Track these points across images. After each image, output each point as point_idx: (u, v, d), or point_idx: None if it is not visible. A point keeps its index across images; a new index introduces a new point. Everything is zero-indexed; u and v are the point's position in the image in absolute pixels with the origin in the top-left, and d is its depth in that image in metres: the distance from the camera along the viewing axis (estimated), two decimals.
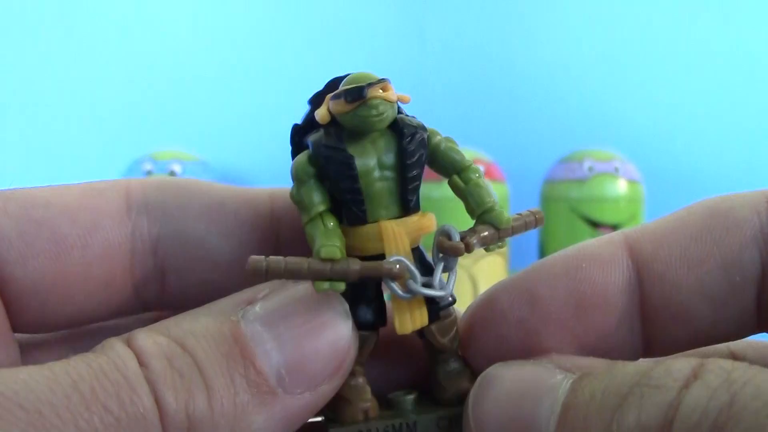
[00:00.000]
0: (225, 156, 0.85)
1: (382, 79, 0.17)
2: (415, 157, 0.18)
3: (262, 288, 0.15)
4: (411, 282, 0.16)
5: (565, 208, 0.69)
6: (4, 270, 0.17)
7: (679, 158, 0.90)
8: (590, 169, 0.68)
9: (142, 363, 0.13)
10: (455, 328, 0.18)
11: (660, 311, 0.17)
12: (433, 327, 0.17)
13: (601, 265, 0.18)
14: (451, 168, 0.19)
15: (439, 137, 0.19)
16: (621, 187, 0.68)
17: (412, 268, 0.16)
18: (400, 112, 0.18)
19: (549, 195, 0.71)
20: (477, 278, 0.67)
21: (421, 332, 0.17)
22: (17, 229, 0.16)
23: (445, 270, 0.17)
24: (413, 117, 0.18)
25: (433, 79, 0.88)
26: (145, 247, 0.18)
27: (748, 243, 0.17)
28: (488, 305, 0.19)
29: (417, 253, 0.17)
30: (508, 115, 0.89)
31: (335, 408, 0.16)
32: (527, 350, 0.18)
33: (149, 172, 0.66)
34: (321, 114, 0.18)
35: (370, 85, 0.17)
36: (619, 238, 0.19)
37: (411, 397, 0.16)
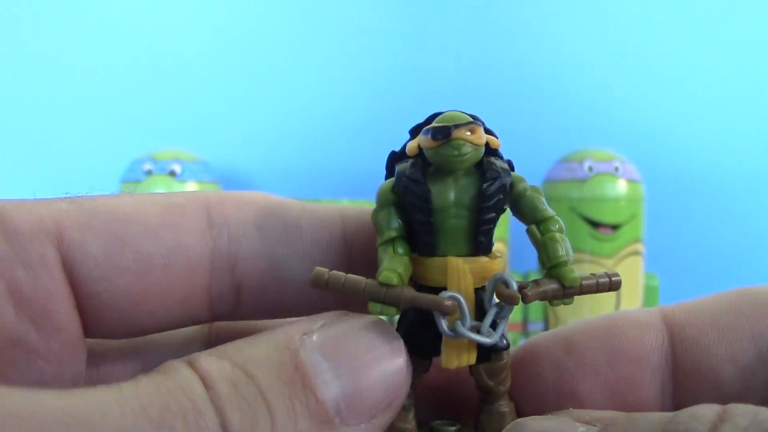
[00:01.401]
0: (225, 156, 0.85)
1: (472, 121, 0.18)
2: (493, 201, 0.18)
3: (320, 318, 0.15)
4: (458, 322, 0.16)
5: (565, 208, 0.69)
6: (88, 286, 0.17)
7: (679, 158, 0.90)
8: (590, 169, 0.68)
9: (207, 386, 0.13)
10: (505, 372, 0.17)
11: (691, 374, 0.18)
12: (482, 367, 0.17)
13: (637, 325, 0.19)
14: (531, 217, 0.20)
15: (524, 185, 0.19)
16: (621, 187, 0.68)
17: (465, 307, 0.16)
18: (495, 154, 0.19)
19: (549, 195, 0.71)
20: None
21: (471, 370, 0.17)
22: (103, 247, 0.17)
23: (498, 317, 0.17)
24: (506, 161, 0.19)
25: (432, 79, 0.88)
26: (223, 266, 0.18)
27: None
28: (528, 347, 0.20)
29: (479, 295, 0.17)
30: (508, 114, 0.89)
31: None
32: (561, 393, 0.19)
33: (149, 172, 0.66)
34: (410, 146, 0.18)
35: (457, 126, 0.18)
36: (656, 309, 0.20)
37: (453, 428, 0.16)
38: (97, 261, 0.17)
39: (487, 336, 0.16)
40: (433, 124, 0.18)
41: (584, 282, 0.19)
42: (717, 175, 0.90)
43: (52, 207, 0.17)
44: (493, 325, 0.16)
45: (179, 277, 0.18)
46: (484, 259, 0.18)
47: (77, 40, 0.85)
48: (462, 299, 0.16)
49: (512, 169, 0.19)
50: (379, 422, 0.14)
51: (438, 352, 0.16)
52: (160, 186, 0.65)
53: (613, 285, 0.20)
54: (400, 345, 0.15)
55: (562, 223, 0.20)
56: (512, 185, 0.19)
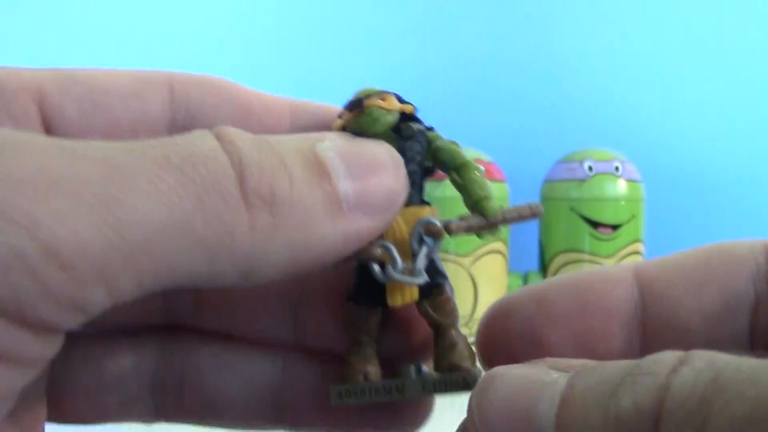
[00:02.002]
0: None
1: (382, 91, 0.19)
2: (410, 155, 0.18)
3: (328, 134, 0.17)
4: (389, 267, 0.16)
5: (565, 208, 0.69)
6: None
7: (679, 158, 0.90)
8: (590, 169, 0.68)
9: (226, 141, 0.14)
10: (449, 305, 0.18)
11: (659, 325, 0.19)
12: (426, 303, 0.18)
13: (608, 279, 0.19)
14: (451, 164, 0.20)
15: (441, 140, 0.20)
16: (621, 187, 0.68)
17: (394, 252, 0.17)
18: (417, 121, 0.19)
19: (549, 195, 0.71)
20: (477, 278, 0.67)
21: (419, 310, 0.18)
22: (78, 110, 0.18)
23: (428, 256, 0.17)
24: (425, 125, 0.19)
25: (433, 79, 0.88)
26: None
27: (743, 275, 0.19)
28: (503, 303, 0.21)
29: (411, 243, 0.18)
30: (508, 115, 0.89)
31: (341, 372, 0.17)
32: (532, 344, 0.20)
33: None
34: (335, 125, 0.19)
35: (368, 96, 0.19)
36: (629, 264, 0.20)
37: (414, 366, 0.18)
38: (73, 122, 0.18)
39: (418, 275, 0.17)
40: (351, 100, 0.19)
41: (506, 213, 0.20)
42: (717, 175, 0.90)
43: (35, 72, 0.18)
44: (432, 267, 0.18)
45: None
46: (414, 209, 0.18)
47: (77, 40, 0.85)
48: (390, 246, 0.17)
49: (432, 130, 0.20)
50: (378, 220, 0.16)
51: (385, 300, 0.17)
52: None
53: (534, 211, 0.20)
54: (401, 162, 0.17)
55: (481, 168, 0.21)
56: (429, 141, 0.19)
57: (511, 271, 0.71)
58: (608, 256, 0.67)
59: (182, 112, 0.19)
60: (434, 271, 0.18)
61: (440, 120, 0.80)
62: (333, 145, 0.16)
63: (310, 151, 0.15)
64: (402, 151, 0.18)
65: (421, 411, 0.18)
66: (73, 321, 0.12)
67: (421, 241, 0.17)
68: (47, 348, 0.13)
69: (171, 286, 0.13)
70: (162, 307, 0.18)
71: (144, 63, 0.75)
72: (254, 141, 0.15)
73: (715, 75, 0.90)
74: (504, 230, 0.69)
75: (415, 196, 0.19)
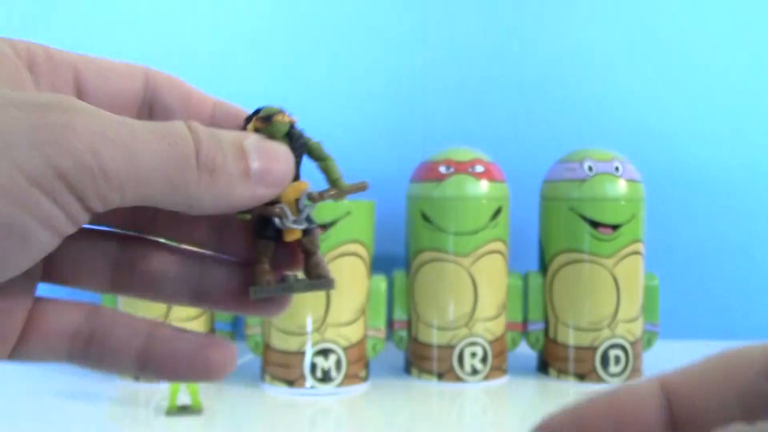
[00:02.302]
0: None
1: (281, 109, 0.27)
2: (296, 150, 0.28)
3: (251, 134, 0.25)
4: (285, 219, 0.25)
5: (565, 208, 0.69)
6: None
7: (679, 158, 0.90)
8: (590, 169, 0.68)
9: (191, 130, 0.22)
10: (316, 241, 0.27)
11: (686, 424, 0.22)
12: (304, 240, 0.26)
13: (639, 397, 0.22)
14: (318, 157, 0.29)
15: (311, 141, 0.29)
16: (621, 187, 0.68)
17: (287, 211, 0.26)
18: (298, 129, 0.29)
19: (549, 195, 0.71)
20: (477, 278, 0.68)
21: (300, 243, 0.27)
22: (96, 84, 0.26)
23: (307, 211, 0.27)
24: (303, 132, 0.29)
25: (433, 79, 0.88)
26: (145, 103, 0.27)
27: (759, 376, 0.22)
28: (540, 430, 0.23)
29: (297, 204, 0.26)
30: (508, 115, 0.89)
31: (253, 278, 0.25)
32: None
33: None
34: (249, 128, 0.26)
35: (274, 114, 0.27)
36: (654, 378, 0.23)
37: (293, 275, 0.26)
38: (93, 91, 0.26)
39: (301, 224, 0.26)
40: (261, 114, 0.27)
41: (350, 186, 0.29)
42: (717, 174, 0.90)
43: (70, 54, 0.26)
44: (308, 219, 0.26)
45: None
46: (296, 183, 0.27)
47: (77, 40, 0.85)
48: (285, 206, 0.26)
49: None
50: (271, 190, 0.24)
51: (279, 237, 0.26)
52: None
53: (363, 186, 0.29)
54: (291, 155, 0.26)
55: (333, 159, 0.30)
56: (306, 142, 0.28)
57: (511, 271, 0.71)
58: (608, 256, 0.68)
59: (149, 93, 0.26)
60: (309, 220, 0.26)
61: (441, 119, 0.81)
62: (253, 141, 0.24)
63: (239, 142, 0.23)
64: (292, 149, 0.27)
65: (286, 302, 0.26)
66: (100, 209, 0.20)
67: (301, 205, 0.26)
68: (77, 225, 0.20)
69: (146, 203, 0.21)
70: (131, 217, 0.26)
71: (144, 62, 0.75)
72: (207, 131, 0.23)
73: (716, 75, 0.90)
74: (504, 230, 0.69)
75: (297, 176, 0.27)
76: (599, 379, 0.68)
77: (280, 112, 0.27)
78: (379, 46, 0.88)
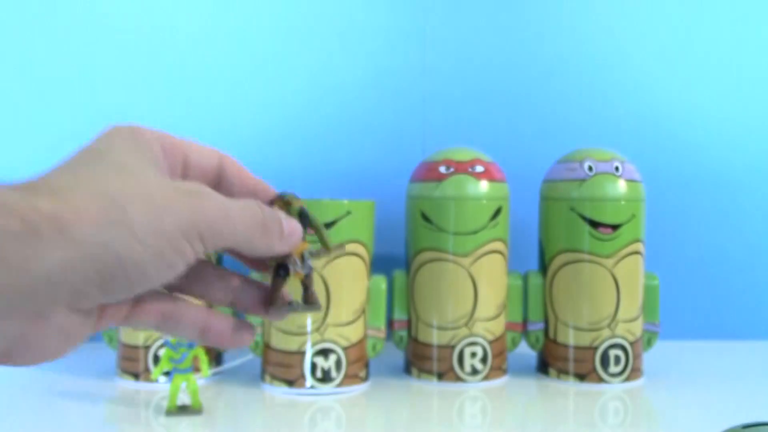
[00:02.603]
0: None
1: (296, 196, 0.38)
2: (303, 224, 0.38)
3: (283, 214, 0.36)
4: (295, 266, 0.38)
5: (565, 208, 0.69)
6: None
7: (679, 158, 0.90)
8: (590, 169, 0.68)
9: (260, 205, 0.34)
10: (312, 279, 0.39)
11: None
12: (305, 278, 0.38)
13: None
14: (315, 226, 0.39)
15: (312, 215, 0.39)
16: (621, 187, 0.68)
17: (297, 261, 0.38)
18: (305, 209, 0.38)
19: (549, 195, 0.71)
20: (477, 278, 0.68)
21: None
22: (195, 162, 0.36)
23: (308, 261, 0.39)
24: (306, 210, 0.39)
25: (433, 79, 0.88)
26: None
27: None
28: None
29: (302, 257, 0.38)
30: (508, 115, 0.89)
31: (273, 302, 0.37)
32: None
33: None
34: (276, 204, 0.38)
35: (293, 199, 0.38)
36: None
37: (297, 301, 0.39)
38: (191, 169, 0.35)
39: (304, 269, 0.38)
40: (285, 198, 0.38)
41: (334, 246, 0.40)
42: (717, 175, 0.90)
43: (179, 140, 0.36)
44: (308, 266, 0.38)
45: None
46: (303, 243, 0.37)
47: (78, 40, 0.85)
48: (296, 258, 0.37)
49: None
50: (289, 248, 0.36)
51: (288, 275, 0.37)
52: None
53: (342, 250, 0.42)
54: (300, 228, 0.36)
55: (322, 227, 0.40)
56: (309, 216, 0.39)
57: (511, 271, 0.71)
58: (608, 256, 0.68)
59: (220, 169, 0.36)
60: (309, 267, 0.38)
61: (441, 120, 0.81)
62: (283, 216, 0.35)
63: (278, 218, 0.34)
64: (301, 222, 0.37)
65: (289, 315, 0.38)
66: (211, 250, 0.31)
67: (305, 256, 0.38)
68: (197, 259, 0.31)
69: (231, 248, 0.34)
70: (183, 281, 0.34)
71: (144, 63, 0.75)
72: (265, 208, 0.34)
73: (716, 75, 0.90)
74: (504, 230, 0.69)
75: (303, 238, 0.38)
76: (599, 379, 0.68)
77: (296, 198, 0.39)
78: (379, 46, 0.88)
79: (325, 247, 0.41)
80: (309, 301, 0.40)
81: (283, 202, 0.38)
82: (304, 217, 0.39)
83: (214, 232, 0.30)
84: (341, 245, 0.42)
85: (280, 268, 0.38)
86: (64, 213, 0.26)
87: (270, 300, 0.38)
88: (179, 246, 0.29)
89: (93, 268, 0.26)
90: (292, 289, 0.38)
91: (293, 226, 0.36)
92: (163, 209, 0.28)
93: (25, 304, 0.25)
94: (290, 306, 0.39)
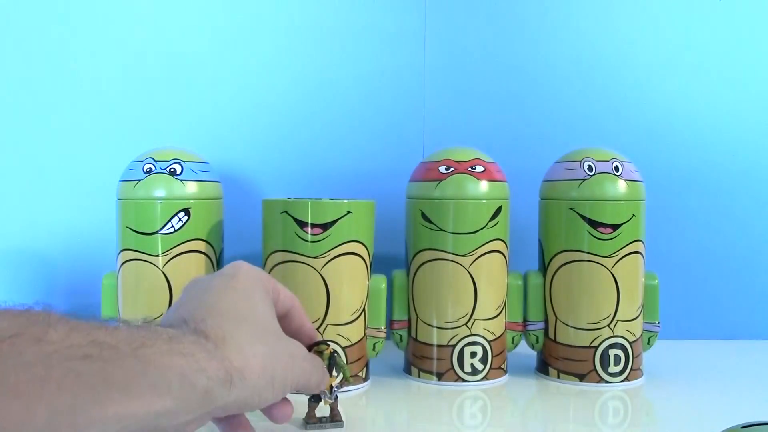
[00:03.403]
0: (225, 156, 0.85)
1: (328, 344, 0.52)
2: (330, 364, 0.52)
3: (318, 358, 0.50)
4: (325, 396, 0.53)
5: (564, 207, 0.69)
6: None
7: (679, 158, 0.90)
8: (590, 169, 0.68)
9: (316, 358, 0.50)
10: (337, 403, 0.55)
11: None
12: (333, 403, 0.54)
13: None
14: (340, 367, 0.53)
15: (339, 359, 0.53)
16: (621, 187, 0.68)
17: (327, 392, 0.52)
18: (335, 353, 0.53)
19: (549, 195, 0.71)
20: (477, 277, 0.68)
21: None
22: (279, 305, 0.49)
23: (335, 392, 0.54)
24: (335, 353, 0.53)
25: (433, 80, 0.88)
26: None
27: None
28: None
29: (331, 389, 0.53)
30: (508, 115, 0.89)
31: (309, 419, 0.55)
32: None
33: (149, 171, 0.66)
34: (314, 350, 0.53)
35: (325, 348, 0.52)
36: None
37: (325, 416, 0.55)
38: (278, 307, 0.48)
39: (332, 399, 0.54)
40: (319, 347, 0.52)
41: (353, 379, 0.58)
42: (717, 175, 0.90)
43: (276, 284, 0.48)
44: (336, 396, 0.54)
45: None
46: (332, 377, 0.52)
47: (77, 39, 0.85)
48: (326, 391, 0.52)
49: None
50: (322, 387, 0.49)
51: (319, 401, 0.54)
52: (161, 183, 0.65)
53: (359, 379, 0.61)
54: (326, 372, 0.50)
55: (345, 365, 0.54)
56: (337, 360, 0.53)
57: (511, 271, 0.71)
58: (608, 256, 0.68)
59: (288, 311, 0.49)
60: (336, 396, 0.53)
61: (441, 120, 0.81)
62: (321, 364, 0.49)
63: (321, 365, 0.49)
64: (329, 363, 0.51)
65: (317, 429, 0.54)
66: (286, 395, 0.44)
67: (332, 389, 0.52)
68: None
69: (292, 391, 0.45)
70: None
71: (144, 62, 0.75)
72: (317, 359, 0.48)
73: (715, 75, 0.90)
74: (504, 230, 0.69)
75: (331, 373, 0.51)
76: (599, 379, 0.68)
77: (328, 346, 0.52)
78: (379, 46, 0.88)
79: (347, 381, 0.56)
80: (335, 419, 0.55)
81: (318, 349, 0.52)
82: (332, 360, 0.52)
83: (300, 387, 0.45)
84: (358, 376, 0.64)
85: (314, 397, 0.54)
86: (244, 368, 0.38)
87: (306, 418, 0.55)
88: (284, 393, 0.43)
89: (246, 403, 0.39)
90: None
91: (324, 370, 0.49)
92: (287, 371, 0.42)
93: (206, 419, 0.38)
94: (321, 423, 0.55)
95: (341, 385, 0.54)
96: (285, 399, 0.46)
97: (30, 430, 0.27)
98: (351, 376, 0.55)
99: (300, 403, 0.61)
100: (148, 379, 0.31)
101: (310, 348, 0.50)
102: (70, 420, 0.28)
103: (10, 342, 0.28)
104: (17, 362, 0.28)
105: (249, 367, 0.38)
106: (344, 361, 0.56)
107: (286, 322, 0.48)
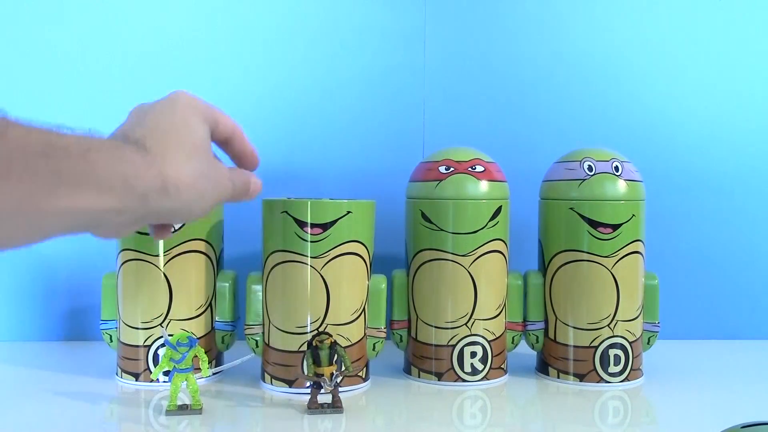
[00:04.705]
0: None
1: (329, 335, 0.59)
2: (332, 353, 0.59)
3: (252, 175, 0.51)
4: (325, 384, 0.58)
5: (565, 208, 0.69)
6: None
7: (679, 158, 0.90)
8: (590, 169, 0.68)
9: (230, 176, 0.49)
10: (338, 390, 0.59)
11: None
12: (333, 390, 0.58)
13: None
14: (342, 355, 0.59)
15: (340, 347, 0.59)
16: (621, 187, 0.68)
17: (327, 380, 0.59)
18: (334, 343, 0.60)
19: (549, 195, 0.71)
20: (477, 277, 0.68)
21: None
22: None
23: (335, 379, 0.59)
24: (336, 343, 0.59)
25: (433, 80, 0.88)
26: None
27: None
28: None
29: (331, 377, 0.59)
30: (508, 115, 0.89)
31: (309, 405, 0.60)
32: None
33: None
34: (314, 341, 0.59)
35: (325, 338, 0.59)
36: None
37: (326, 402, 0.60)
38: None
39: (332, 386, 0.58)
40: (320, 337, 0.59)
41: (354, 368, 0.61)
42: (717, 175, 0.90)
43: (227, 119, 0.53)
44: (336, 384, 0.58)
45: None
46: (330, 367, 0.58)
47: (77, 39, 0.85)
48: (326, 378, 0.58)
49: None
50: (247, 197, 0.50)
51: (320, 389, 0.60)
52: None
53: (353, 371, 0.62)
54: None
55: (348, 358, 0.60)
56: (337, 350, 0.60)
57: (511, 270, 0.71)
58: (608, 256, 0.68)
59: (232, 134, 0.52)
60: (336, 384, 0.58)
61: (441, 120, 0.81)
62: (256, 181, 0.51)
63: (247, 179, 0.51)
64: (329, 353, 0.58)
65: (317, 414, 0.59)
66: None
67: (332, 376, 0.58)
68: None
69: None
70: None
71: (144, 62, 0.75)
72: (240, 174, 0.50)
73: (715, 76, 0.90)
74: (504, 230, 0.69)
75: (331, 362, 0.58)
76: (599, 379, 0.68)
77: (329, 336, 0.58)
78: (379, 46, 0.88)
79: (347, 370, 0.59)
80: (335, 406, 0.58)
81: (320, 339, 0.57)
82: (332, 349, 0.58)
83: (223, 200, 0.47)
84: (358, 366, 0.65)
85: (316, 384, 0.58)
86: (179, 182, 0.41)
87: (309, 404, 0.58)
88: (209, 210, 0.45)
89: (177, 213, 0.42)
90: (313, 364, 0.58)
91: (252, 183, 0.51)
92: (214, 190, 0.45)
93: (140, 223, 0.42)
94: (322, 409, 0.58)
95: (341, 374, 0.58)
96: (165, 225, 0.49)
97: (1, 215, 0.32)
98: (354, 368, 0.62)
99: (302, 397, 0.61)
100: (94, 180, 0.36)
101: (311, 340, 0.58)
102: (30, 208, 0.33)
103: None
104: None
105: (182, 181, 0.41)
106: (344, 351, 0.59)
107: (229, 148, 0.52)
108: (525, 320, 0.72)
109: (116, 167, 0.37)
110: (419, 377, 0.70)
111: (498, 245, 0.68)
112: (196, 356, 0.59)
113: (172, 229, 0.52)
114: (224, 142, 0.52)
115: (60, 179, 0.34)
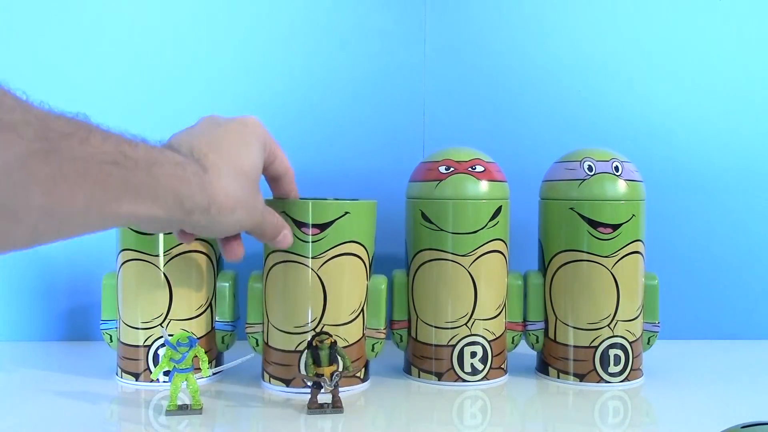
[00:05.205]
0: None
1: (329, 335, 0.59)
2: (332, 352, 0.59)
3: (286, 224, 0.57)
4: (326, 384, 0.58)
5: (565, 207, 0.69)
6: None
7: (679, 158, 0.90)
8: (590, 169, 0.68)
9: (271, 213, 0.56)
10: (338, 390, 0.59)
11: None
12: (333, 390, 0.59)
13: None
14: (342, 354, 0.59)
15: (339, 347, 0.59)
16: (620, 187, 0.68)
17: (327, 380, 0.59)
18: (335, 344, 0.59)
19: (548, 195, 0.71)
20: (477, 277, 0.68)
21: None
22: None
23: (334, 379, 0.58)
24: (335, 342, 0.59)
25: (433, 79, 0.88)
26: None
27: None
28: None
29: (331, 377, 0.58)
30: (508, 115, 0.89)
31: (309, 405, 0.60)
32: None
33: None
34: (314, 341, 0.59)
35: (325, 337, 0.59)
36: None
37: (327, 402, 0.59)
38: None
39: (331, 385, 0.58)
40: (321, 336, 0.59)
41: (353, 367, 0.61)
42: (716, 175, 0.90)
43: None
44: (336, 384, 0.58)
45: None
46: (331, 366, 0.58)
47: (76, 38, 0.85)
48: (327, 378, 0.58)
49: None
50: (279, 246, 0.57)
51: (321, 388, 0.59)
52: None
53: (353, 370, 0.63)
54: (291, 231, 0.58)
55: (344, 353, 0.60)
56: (337, 349, 0.60)
57: (511, 270, 0.71)
58: (608, 256, 0.68)
59: (284, 173, 0.58)
60: (336, 384, 0.57)
61: (441, 119, 0.81)
62: (288, 232, 0.58)
63: (281, 224, 0.58)
64: (329, 352, 0.58)
65: (317, 414, 0.58)
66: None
67: (333, 376, 0.57)
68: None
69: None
70: None
71: (143, 62, 0.75)
72: (276, 218, 0.56)
73: (715, 76, 0.90)
74: (504, 230, 0.69)
75: (332, 362, 0.58)
76: (599, 379, 0.68)
77: (329, 336, 0.58)
78: (379, 46, 0.88)
79: (347, 370, 0.59)
80: (336, 406, 0.58)
81: (317, 338, 0.57)
82: (332, 349, 0.58)
83: (254, 233, 0.53)
84: (357, 366, 0.64)
85: (316, 384, 0.58)
86: (222, 204, 0.46)
87: (309, 404, 0.58)
88: (239, 231, 0.51)
89: (207, 229, 0.47)
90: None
91: (286, 234, 0.56)
92: (249, 218, 0.50)
93: (171, 229, 0.51)
94: (322, 409, 0.58)
95: (341, 374, 0.58)
96: (240, 241, 0.54)
97: (72, 212, 0.35)
98: (354, 368, 0.61)
99: (302, 397, 0.61)
100: (153, 193, 0.40)
101: (312, 340, 0.58)
102: (98, 209, 0.37)
103: (67, 138, 0.35)
104: (69, 156, 0.35)
105: (225, 205, 0.46)
106: (344, 351, 0.60)
107: (275, 186, 0.57)
108: (525, 320, 0.72)
109: (173, 184, 0.42)
110: (419, 377, 0.70)
111: (498, 245, 0.68)
112: (196, 356, 0.59)
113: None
114: (274, 179, 0.56)
115: (126, 188, 0.38)
